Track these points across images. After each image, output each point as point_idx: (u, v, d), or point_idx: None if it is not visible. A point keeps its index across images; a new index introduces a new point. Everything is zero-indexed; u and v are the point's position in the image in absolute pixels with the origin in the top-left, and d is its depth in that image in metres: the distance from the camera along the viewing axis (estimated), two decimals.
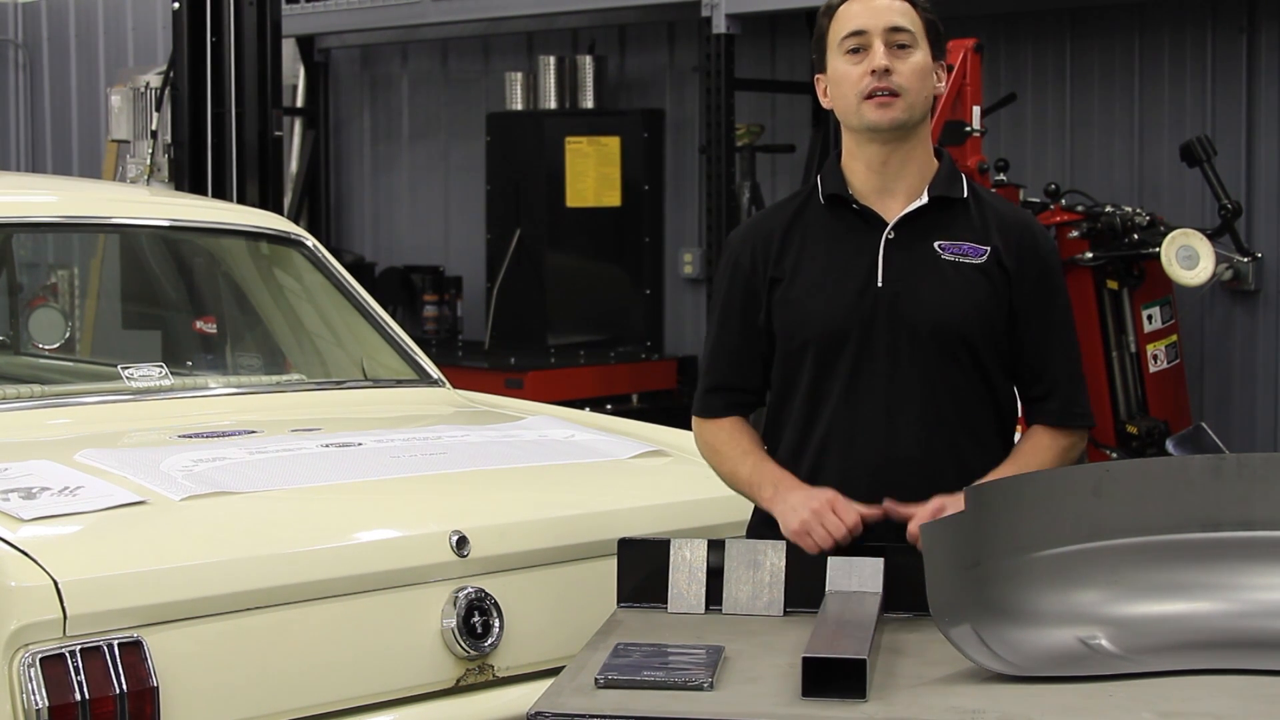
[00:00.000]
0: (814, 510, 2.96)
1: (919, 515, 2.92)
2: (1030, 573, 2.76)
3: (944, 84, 3.12)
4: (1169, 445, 5.30)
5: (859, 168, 3.10)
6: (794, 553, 2.97)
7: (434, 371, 4.48)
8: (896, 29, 3.03)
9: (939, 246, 3.07)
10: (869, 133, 3.05)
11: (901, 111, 3.03)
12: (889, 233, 3.07)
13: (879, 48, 3.01)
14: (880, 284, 3.05)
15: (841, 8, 3.08)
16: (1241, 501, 2.82)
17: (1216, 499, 2.82)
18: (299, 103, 9.92)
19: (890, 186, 3.09)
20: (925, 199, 3.08)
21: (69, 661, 2.75)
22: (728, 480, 3.21)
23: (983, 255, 3.08)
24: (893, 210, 3.09)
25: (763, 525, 3.14)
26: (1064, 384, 3.14)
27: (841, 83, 3.06)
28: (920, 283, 3.05)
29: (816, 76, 3.14)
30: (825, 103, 3.13)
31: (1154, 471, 2.87)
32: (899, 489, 2.98)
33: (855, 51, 3.03)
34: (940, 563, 2.66)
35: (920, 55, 3.04)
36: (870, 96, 3.02)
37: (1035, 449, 3.10)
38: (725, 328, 3.20)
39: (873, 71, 3.01)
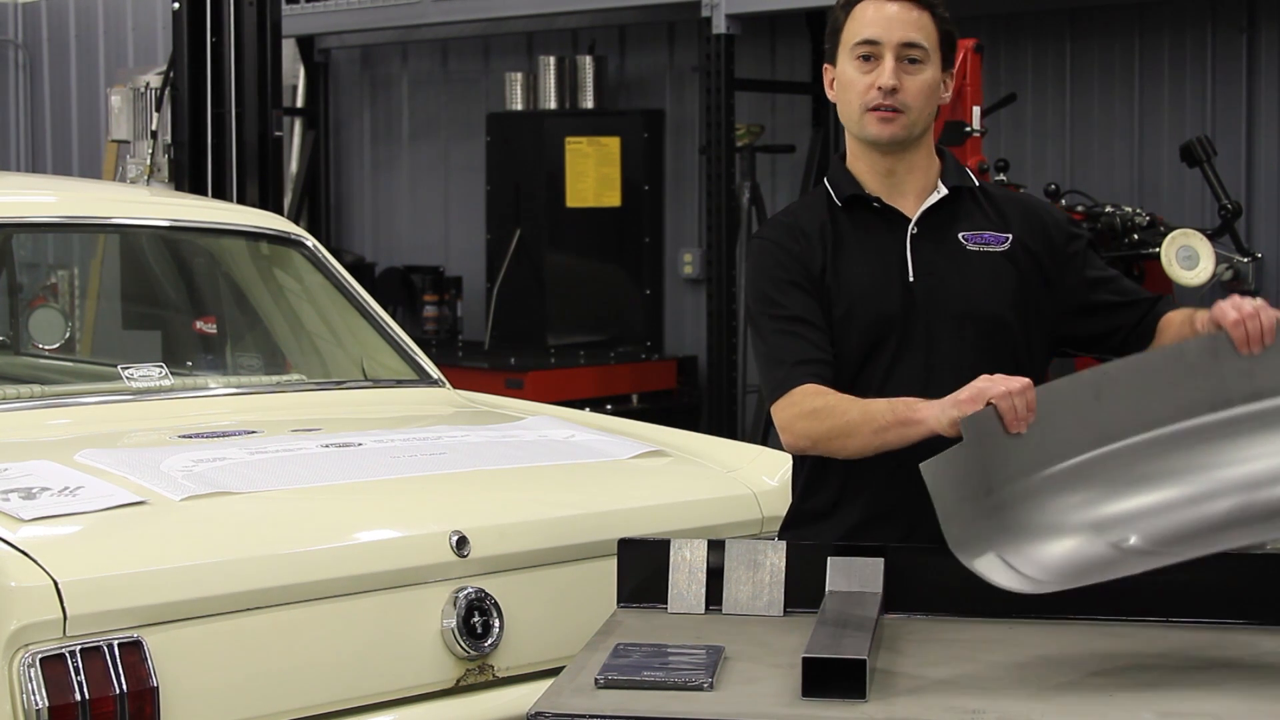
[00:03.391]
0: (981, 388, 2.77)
1: None
2: (1047, 489, 2.71)
3: (949, 92, 3.13)
4: None
5: (865, 169, 3.13)
6: (794, 553, 2.97)
7: (434, 371, 4.48)
8: (910, 44, 3.02)
9: (963, 238, 3.11)
10: (869, 142, 3.08)
11: (902, 129, 3.05)
12: (912, 227, 3.09)
13: (889, 62, 3.01)
14: (912, 278, 3.07)
15: (858, 7, 3.06)
16: (1245, 375, 2.79)
17: (1221, 377, 2.79)
18: (299, 103, 9.93)
19: (900, 187, 3.12)
20: (944, 190, 3.12)
21: (69, 661, 2.75)
22: (839, 433, 2.93)
23: (1004, 243, 3.12)
24: (909, 207, 3.11)
25: (794, 528, 3.14)
26: (1148, 295, 3.19)
27: (848, 88, 3.07)
28: (951, 274, 3.08)
29: (825, 66, 3.14)
30: (831, 95, 3.13)
31: (1153, 364, 2.84)
32: None
33: (866, 59, 3.03)
34: (949, 498, 2.63)
35: (930, 72, 3.05)
36: (873, 109, 3.03)
37: (1191, 309, 3.10)
38: (790, 303, 3.06)
39: (879, 87, 3.01)
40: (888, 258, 3.09)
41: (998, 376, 2.76)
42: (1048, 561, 2.62)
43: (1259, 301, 2.84)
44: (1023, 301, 3.10)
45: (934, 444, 2.86)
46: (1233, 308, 2.83)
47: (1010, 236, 3.12)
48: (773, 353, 3.07)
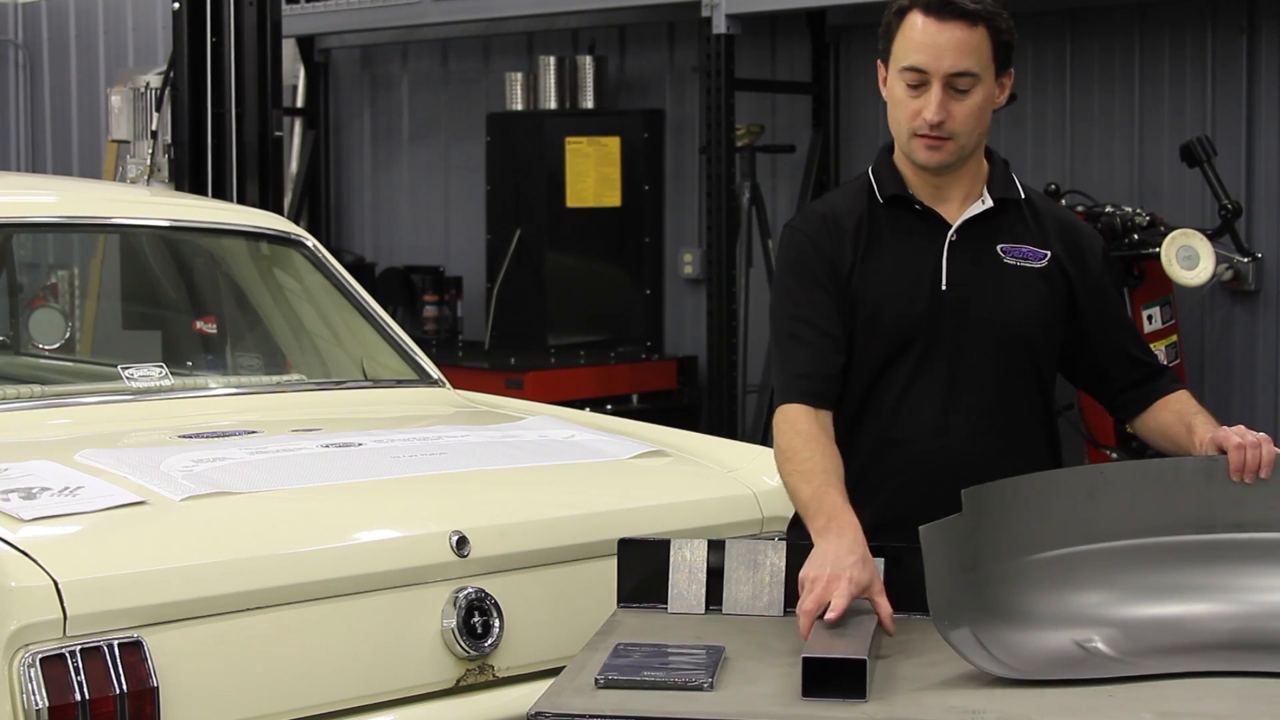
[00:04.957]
0: (832, 575, 2.77)
1: None
2: (1027, 575, 2.76)
3: (1006, 93, 3.06)
4: None
5: (910, 169, 3.10)
6: (794, 553, 2.97)
7: (434, 371, 4.48)
8: (958, 74, 2.96)
9: (1001, 250, 3.08)
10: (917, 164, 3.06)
11: (950, 155, 3.02)
12: (952, 235, 3.07)
13: (936, 93, 2.96)
14: (945, 286, 3.05)
15: (910, 17, 2.98)
16: (1234, 503, 2.83)
17: (1209, 501, 2.84)
18: (299, 103, 9.92)
19: (945, 191, 3.09)
20: (989, 201, 3.08)
21: (69, 661, 2.75)
22: (787, 488, 3.03)
23: (1043, 259, 3.10)
24: (952, 212, 3.08)
25: (802, 526, 3.15)
26: (1154, 362, 3.21)
27: (896, 107, 3.03)
28: (985, 286, 3.06)
29: (879, 62, 3.08)
30: (884, 93, 3.08)
31: (1148, 474, 2.88)
32: (948, 490, 2.90)
33: (914, 86, 2.98)
34: (939, 565, 2.67)
35: (980, 94, 2.99)
36: (921, 136, 3.00)
37: (1188, 405, 3.12)
38: (806, 304, 3.07)
39: (925, 119, 2.97)
40: (922, 263, 3.06)
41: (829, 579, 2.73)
42: (1016, 647, 2.66)
43: (1263, 436, 2.90)
44: (1050, 320, 3.10)
45: (960, 457, 2.90)
46: (1237, 434, 2.89)
47: (1049, 254, 3.10)
48: (780, 354, 3.08)
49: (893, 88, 3.03)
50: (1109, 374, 3.20)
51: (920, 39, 2.96)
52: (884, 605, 2.77)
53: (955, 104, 2.98)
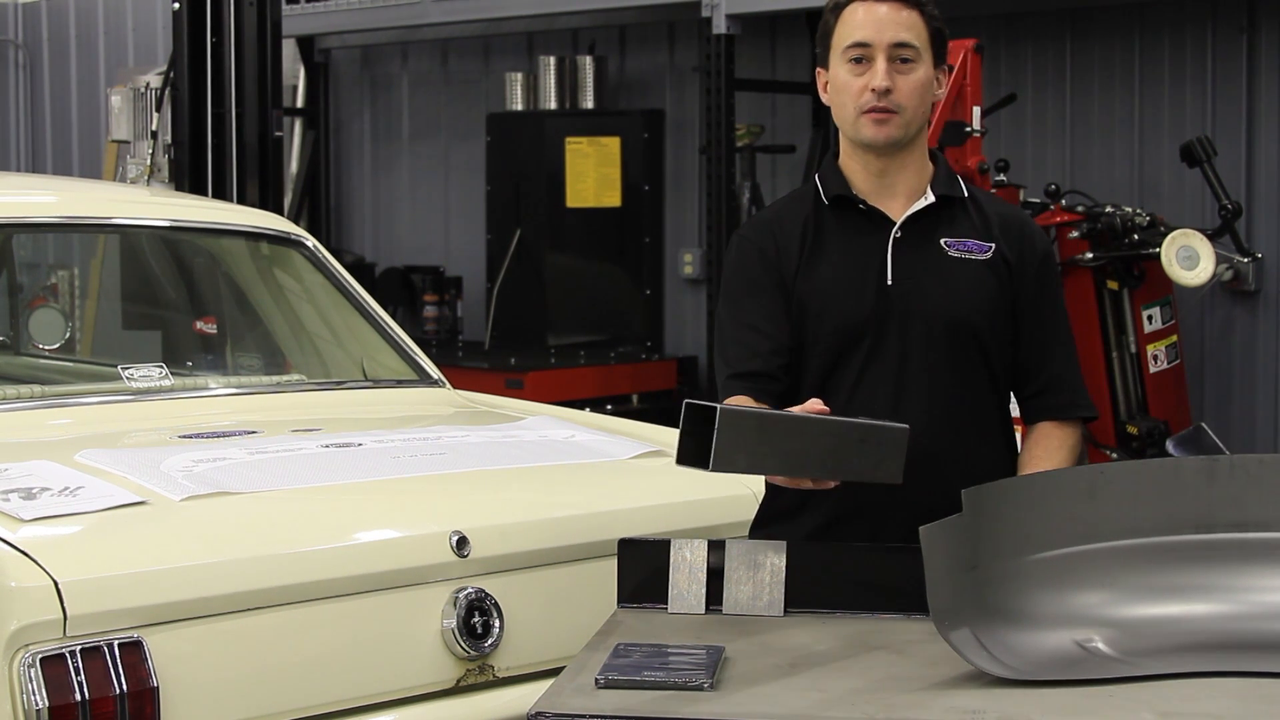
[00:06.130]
0: None
1: None
2: (1027, 575, 2.76)
3: (944, 89, 3.14)
4: (1169, 446, 5.29)
5: (857, 169, 3.13)
6: (794, 553, 2.97)
7: (434, 372, 4.48)
8: (900, 44, 3.03)
9: (945, 243, 3.11)
10: (864, 144, 3.07)
11: (898, 129, 3.05)
12: (896, 231, 3.09)
13: (881, 64, 3.02)
14: (890, 282, 3.07)
15: (848, 9, 3.06)
16: (1234, 503, 2.83)
17: (1210, 501, 2.83)
18: (299, 103, 9.93)
19: (890, 188, 3.12)
20: (931, 197, 3.12)
21: (69, 661, 2.75)
22: None
23: (987, 252, 3.12)
24: (896, 210, 3.11)
25: (763, 526, 3.14)
26: (1067, 376, 3.19)
27: (841, 91, 3.07)
28: (929, 280, 3.08)
29: (818, 70, 3.15)
30: (825, 99, 3.14)
31: (1148, 473, 2.88)
32: (905, 486, 2.96)
33: (858, 61, 3.04)
34: (939, 565, 2.66)
35: (922, 70, 3.05)
36: (868, 112, 3.03)
37: (1049, 447, 3.14)
38: (751, 309, 3.12)
39: (873, 89, 3.01)
40: (868, 260, 3.09)
41: None
42: (1017, 647, 2.66)
43: None
44: (996, 311, 3.11)
45: (915, 453, 2.91)
46: None
47: (993, 246, 3.13)
48: (721, 354, 3.15)
49: (836, 76, 3.07)
50: (1022, 373, 3.19)
51: (862, 19, 3.04)
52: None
53: (900, 76, 3.03)
